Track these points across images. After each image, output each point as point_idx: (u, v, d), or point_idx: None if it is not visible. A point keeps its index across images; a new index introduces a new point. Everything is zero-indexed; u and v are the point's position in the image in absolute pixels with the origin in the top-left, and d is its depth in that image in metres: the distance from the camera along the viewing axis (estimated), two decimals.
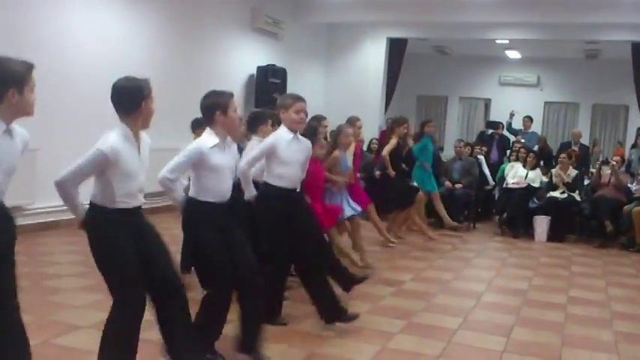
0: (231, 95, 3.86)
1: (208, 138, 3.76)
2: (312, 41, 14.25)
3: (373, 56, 14.39)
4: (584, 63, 16.73)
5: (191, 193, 3.83)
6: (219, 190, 3.82)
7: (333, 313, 4.69)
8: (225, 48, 11.12)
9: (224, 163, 3.82)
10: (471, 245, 8.92)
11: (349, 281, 5.31)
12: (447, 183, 10.15)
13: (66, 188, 3.41)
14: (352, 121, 7.18)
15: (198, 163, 3.75)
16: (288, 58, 12.67)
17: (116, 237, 3.35)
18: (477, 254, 8.33)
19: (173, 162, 3.75)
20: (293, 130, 4.56)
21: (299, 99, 4.64)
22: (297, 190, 4.69)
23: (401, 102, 16.55)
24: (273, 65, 11.89)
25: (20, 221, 7.26)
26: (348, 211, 6.53)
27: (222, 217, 3.86)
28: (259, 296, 3.96)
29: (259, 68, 11.69)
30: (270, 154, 4.51)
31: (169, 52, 9.57)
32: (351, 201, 6.65)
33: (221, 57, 11.04)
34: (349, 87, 14.23)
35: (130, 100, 3.38)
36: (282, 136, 4.54)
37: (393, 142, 8.14)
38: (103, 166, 3.27)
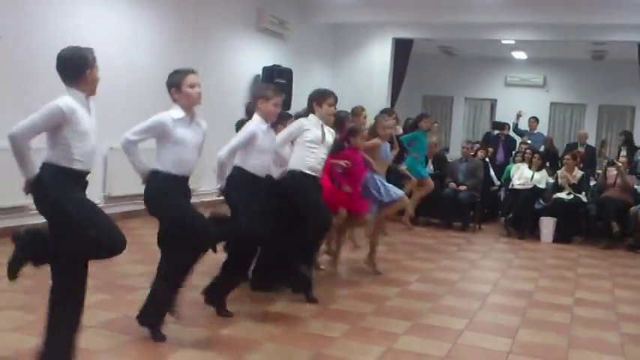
0: (187, 72, 4.06)
1: (174, 111, 4.03)
2: (318, 41, 14.24)
3: (379, 57, 14.38)
4: (591, 64, 16.68)
5: (155, 166, 4.04)
6: (183, 164, 4.04)
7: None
8: (230, 48, 11.12)
9: (188, 138, 4.04)
10: (477, 246, 8.91)
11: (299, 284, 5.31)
12: (452, 184, 10.13)
13: (18, 141, 3.39)
14: (357, 112, 7.19)
15: (162, 135, 3.99)
16: (293, 59, 12.67)
17: (72, 191, 3.46)
18: (483, 255, 8.31)
19: (138, 126, 4.02)
20: (267, 121, 4.82)
21: (279, 93, 4.89)
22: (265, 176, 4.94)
23: (407, 102, 16.52)
24: (279, 66, 11.88)
25: (25, 221, 7.31)
26: (386, 197, 6.48)
27: (184, 190, 4.10)
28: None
29: (265, 69, 11.69)
30: (249, 143, 4.70)
31: (175, 52, 9.57)
32: (390, 187, 6.57)
33: (227, 57, 11.05)
34: (355, 87, 14.19)
35: (75, 68, 3.56)
36: (259, 125, 4.75)
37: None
38: (58, 122, 3.36)
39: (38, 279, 5.46)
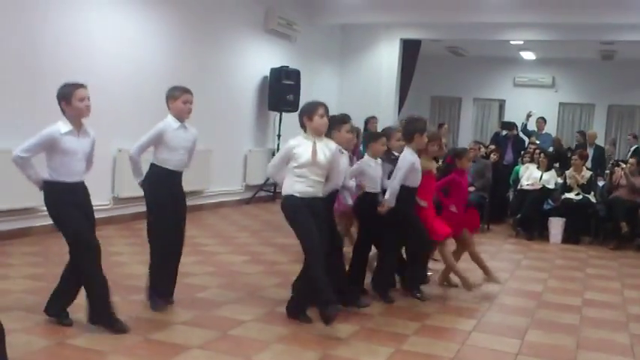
0: (77, 86, 4.37)
1: (62, 124, 4.31)
2: (326, 43, 14.25)
3: (387, 57, 14.37)
4: (600, 64, 16.62)
5: (46, 176, 4.33)
6: (72, 172, 4.34)
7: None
8: (238, 50, 11.14)
9: (77, 148, 4.37)
10: (486, 247, 8.86)
11: None
12: None
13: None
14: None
15: (51, 147, 4.27)
16: (301, 60, 12.68)
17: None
18: (492, 256, 8.28)
19: (27, 143, 4.28)
20: (180, 119, 4.96)
21: (187, 91, 5.03)
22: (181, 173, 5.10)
23: (415, 103, 16.51)
24: (287, 67, 11.89)
25: (35, 222, 7.36)
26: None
27: (79, 195, 4.44)
28: None
29: (273, 70, 11.69)
30: (158, 141, 4.89)
31: (183, 54, 9.60)
32: None
33: (235, 59, 11.07)
34: (363, 88, 14.21)
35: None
36: (170, 124, 4.93)
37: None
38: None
39: (46, 280, 5.51)
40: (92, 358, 3.86)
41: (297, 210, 4.67)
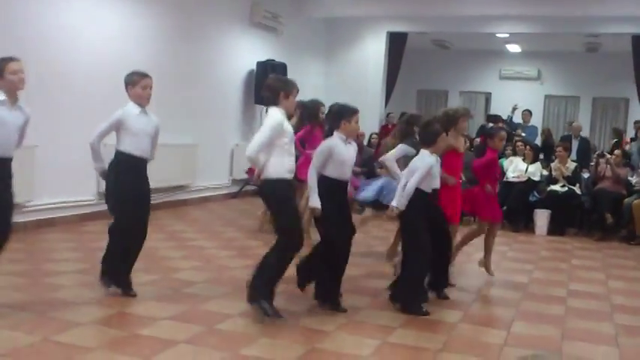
0: (8, 60, 4.42)
1: None
2: (312, 36, 14.22)
3: (373, 50, 14.37)
4: (585, 56, 16.71)
5: None
6: (2, 144, 4.40)
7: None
8: (224, 43, 11.09)
9: (8, 119, 4.42)
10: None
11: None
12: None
13: None
14: None
15: None
16: (287, 53, 12.64)
17: None
18: (477, 248, 8.29)
19: None
20: (141, 105, 4.92)
21: (146, 76, 4.97)
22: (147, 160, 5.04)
23: (401, 96, 16.53)
24: (273, 60, 11.86)
25: (19, 218, 7.30)
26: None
27: (6, 171, 4.48)
28: None
29: (259, 63, 11.66)
30: (119, 127, 4.87)
31: (168, 47, 9.55)
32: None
33: (220, 52, 11.02)
34: (349, 81, 14.19)
35: None
36: (130, 110, 4.90)
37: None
38: None
39: (32, 277, 5.48)
40: (78, 354, 3.84)
41: (290, 196, 4.77)
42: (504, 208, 9.80)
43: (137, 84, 4.90)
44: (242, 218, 9.35)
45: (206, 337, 4.30)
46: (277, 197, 4.67)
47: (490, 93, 18.36)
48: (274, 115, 4.62)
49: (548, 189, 9.63)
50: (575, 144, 11.70)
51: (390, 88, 14.86)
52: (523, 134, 12.46)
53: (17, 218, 7.25)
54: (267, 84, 4.80)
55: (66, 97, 7.79)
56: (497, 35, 14.87)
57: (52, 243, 6.91)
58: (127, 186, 4.89)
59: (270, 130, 4.56)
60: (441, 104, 18.87)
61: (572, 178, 9.68)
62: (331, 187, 4.88)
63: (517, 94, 16.37)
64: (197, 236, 7.78)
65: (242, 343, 4.19)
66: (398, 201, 5.11)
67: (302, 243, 4.68)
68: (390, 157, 5.75)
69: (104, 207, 8.35)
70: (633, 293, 6.34)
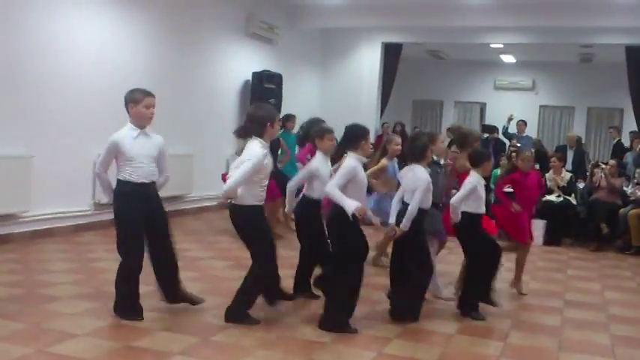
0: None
1: None
2: (308, 46, 14.26)
3: (368, 61, 14.41)
4: (579, 66, 16.79)
5: None
6: None
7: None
8: (220, 54, 11.11)
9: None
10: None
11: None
12: None
13: None
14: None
15: None
16: (283, 64, 12.67)
17: None
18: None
19: None
20: (140, 126, 4.63)
21: (149, 94, 4.66)
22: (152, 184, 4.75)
23: (397, 107, 16.58)
24: (269, 71, 11.87)
25: (14, 229, 7.28)
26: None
27: None
28: None
29: (254, 74, 11.67)
30: (116, 153, 4.60)
31: (165, 58, 9.56)
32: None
33: (216, 63, 11.03)
34: (345, 92, 14.24)
35: None
36: (125, 134, 4.60)
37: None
38: None
39: (24, 287, 5.45)
40: None
41: (262, 222, 4.82)
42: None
43: (140, 102, 4.58)
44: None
45: (201, 348, 4.28)
46: (251, 224, 4.74)
47: (485, 103, 18.43)
48: (257, 152, 4.58)
49: (544, 199, 9.64)
50: (570, 154, 11.73)
51: (385, 98, 14.90)
52: (518, 144, 12.49)
53: (13, 229, 7.28)
54: (252, 115, 4.77)
55: (62, 107, 7.77)
56: (492, 46, 14.94)
57: (48, 254, 6.87)
58: (132, 215, 4.60)
59: (252, 169, 4.55)
60: (436, 114, 18.96)
61: (568, 188, 9.70)
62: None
63: (512, 105, 16.44)
64: (192, 246, 7.76)
65: (237, 355, 4.18)
66: (403, 224, 5.07)
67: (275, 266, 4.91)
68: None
69: (99, 217, 8.39)
70: (629, 304, 6.34)
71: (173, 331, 4.55)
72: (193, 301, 5.09)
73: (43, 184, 7.43)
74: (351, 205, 4.55)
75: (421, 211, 5.12)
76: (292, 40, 13.24)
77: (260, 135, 4.66)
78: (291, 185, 5.57)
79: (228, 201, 4.75)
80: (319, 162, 5.37)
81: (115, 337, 4.38)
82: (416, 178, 5.12)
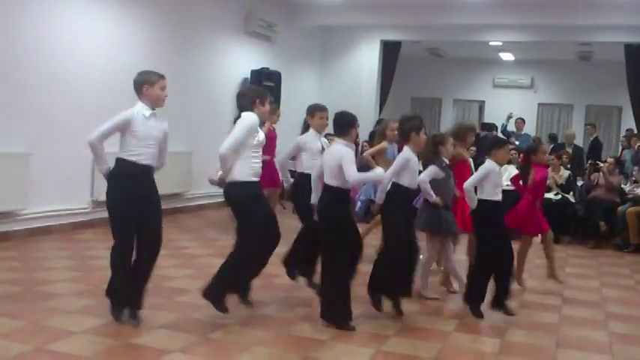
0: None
1: None
2: (306, 44, 14.24)
3: (367, 59, 14.40)
4: (578, 64, 16.78)
5: None
6: None
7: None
8: (218, 52, 11.10)
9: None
10: (465, 247, 8.90)
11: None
12: None
13: None
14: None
15: None
16: (282, 62, 12.66)
17: None
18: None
19: None
20: (154, 107, 4.62)
21: (163, 76, 4.68)
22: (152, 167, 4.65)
23: (395, 104, 16.55)
24: (267, 68, 11.86)
25: (13, 226, 7.29)
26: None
27: None
28: None
29: (253, 72, 11.66)
30: (124, 130, 4.48)
31: (163, 56, 9.54)
32: None
33: (215, 61, 11.02)
34: (343, 90, 14.21)
35: None
36: (140, 112, 4.54)
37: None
38: None
39: (25, 285, 5.45)
40: None
41: (258, 198, 4.83)
42: None
43: (155, 84, 4.57)
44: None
45: (200, 346, 4.29)
46: (245, 199, 4.72)
47: (484, 101, 18.41)
48: (250, 117, 4.73)
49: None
50: (567, 151, 11.73)
51: (384, 95, 14.88)
52: (517, 142, 12.50)
53: (12, 227, 7.28)
54: (242, 92, 5.02)
55: (60, 104, 7.77)
56: (491, 43, 14.93)
57: (46, 251, 6.88)
58: (127, 198, 4.41)
59: (246, 129, 4.65)
60: (435, 112, 18.95)
61: (566, 186, 9.71)
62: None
63: (511, 102, 16.44)
64: (191, 244, 7.77)
65: (236, 352, 4.18)
66: (377, 196, 5.34)
67: (278, 240, 4.96)
68: (423, 177, 5.54)
69: (98, 215, 8.39)
70: (627, 301, 6.36)
71: (171, 329, 4.55)
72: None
73: (42, 181, 7.43)
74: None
75: (400, 189, 5.22)
76: (291, 37, 13.23)
77: (251, 110, 4.79)
78: (281, 159, 6.10)
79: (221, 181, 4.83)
80: (309, 137, 5.84)
81: (114, 334, 4.38)
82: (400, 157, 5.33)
